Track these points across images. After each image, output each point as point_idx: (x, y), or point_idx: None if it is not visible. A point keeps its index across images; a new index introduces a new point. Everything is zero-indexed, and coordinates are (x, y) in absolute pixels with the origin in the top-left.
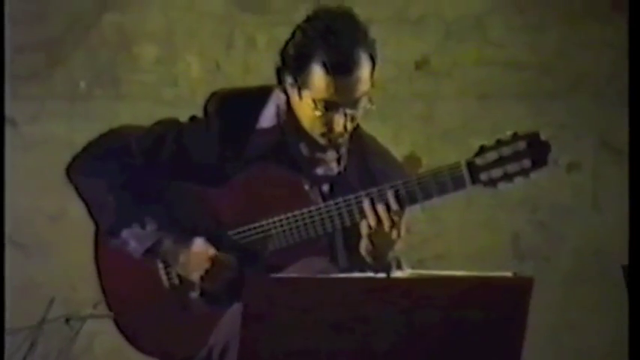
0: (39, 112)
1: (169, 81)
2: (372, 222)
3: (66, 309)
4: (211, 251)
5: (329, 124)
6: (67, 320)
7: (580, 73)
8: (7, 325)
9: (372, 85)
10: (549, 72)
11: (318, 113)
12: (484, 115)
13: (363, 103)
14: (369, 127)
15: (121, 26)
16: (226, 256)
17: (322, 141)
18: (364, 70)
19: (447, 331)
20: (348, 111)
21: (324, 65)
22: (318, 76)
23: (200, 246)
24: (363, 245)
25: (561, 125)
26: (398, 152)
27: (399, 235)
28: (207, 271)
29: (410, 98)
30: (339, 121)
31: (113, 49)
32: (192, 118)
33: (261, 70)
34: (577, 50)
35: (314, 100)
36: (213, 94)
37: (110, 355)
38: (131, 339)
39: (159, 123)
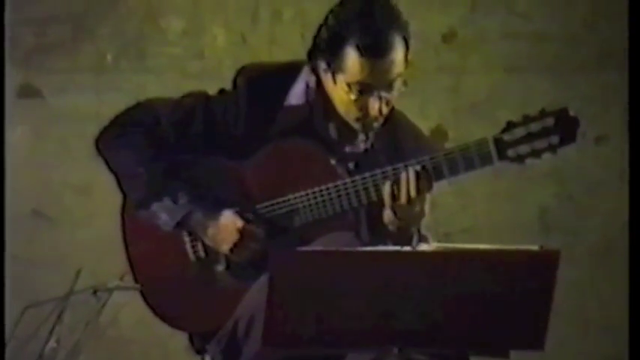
0: (66, 85)
1: (195, 53)
2: (398, 194)
3: (93, 281)
4: (239, 223)
5: (364, 109)
6: (94, 292)
7: (607, 45)
8: (34, 296)
9: (406, 67)
10: (576, 45)
11: (352, 97)
12: (511, 89)
13: (397, 85)
14: (395, 101)
15: None
16: (254, 228)
17: (357, 126)
18: (398, 52)
19: (474, 304)
20: (383, 94)
21: (358, 48)
22: (352, 59)
23: (228, 218)
24: (386, 215)
25: (589, 98)
26: (424, 126)
27: (422, 210)
28: (235, 244)
29: (436, 71)
30: (374, 105)
31: (139, 21)
32: (221, 92)
33: (287, 43)
34: (604, 23)
35: (348, 84)
36: (243, 69)
37: (137, 326)
38: (157, 311)
39: (188, 95)
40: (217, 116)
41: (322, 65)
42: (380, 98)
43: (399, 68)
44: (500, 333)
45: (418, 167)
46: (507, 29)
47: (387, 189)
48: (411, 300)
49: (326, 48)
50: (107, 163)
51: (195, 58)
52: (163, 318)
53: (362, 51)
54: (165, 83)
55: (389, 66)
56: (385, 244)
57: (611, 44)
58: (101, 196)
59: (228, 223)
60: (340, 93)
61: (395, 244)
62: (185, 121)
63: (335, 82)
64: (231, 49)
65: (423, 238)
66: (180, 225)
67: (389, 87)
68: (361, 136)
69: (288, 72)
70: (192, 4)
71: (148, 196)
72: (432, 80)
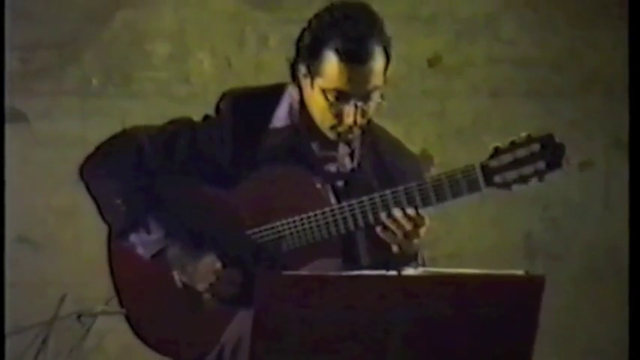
0: (51, 109)
1: (181, 78)
2: (393, 227)
3: (77, 306)
4: (218, 265)
5: (339, 116)
6: (79, 317)
7: (591, 71)
8: (19, 322)
9: (385, 81)
10: (560, 70)
11: (329, 100)
12: (495, 113)
13: (375, 97)
14: (380, 124)
15: (134, 23)
16: (232, 273)
17: (332, 135)
18: (378, 62)
19: (458, 329)
20: (359, 103)
21: (338, 52)
22: (331, 63)
23: (209, 260)
24: (394, 249)
25: (573, 123)
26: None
27: (418, 235)
28: (211, 284)
29: (422, 96)
30: (349, 113)
31: (125, 46)
32: (206, 118)
33: (273, 67)
34: (588, 48)
35: (324, 90)
36: (225, 94)
37: (121, 352)
38: (142, 336)
39: (172, 122)
40: (202, 143)
41: (302, 69)
42: (356, 107)
43: (378, 80)
44: (485, 358)
45: (405, 198)
46: (492, 54)
47: (379, 228)
48: (396, 325)
49: (307, 51)
50: (89, 191)
51: (181, 82)
52: (149, 344)
53: (342, 56)
54: (150, 108)
55: (367, 75)
56: (386, 265)
57: (595, 70)
58: (86, 220)
59: (207, 265)
60: (317, 98)
61: (399, 262)
62: (169, 149)
63: (313, 87)
64: (216, 73)
65: (421, 258)
66: (156, 257)
67: (366, 96)
68: (342, 148)
69: (271, 94)
70: (178, 29)
71: (125, 227)
72: (417, 105)
